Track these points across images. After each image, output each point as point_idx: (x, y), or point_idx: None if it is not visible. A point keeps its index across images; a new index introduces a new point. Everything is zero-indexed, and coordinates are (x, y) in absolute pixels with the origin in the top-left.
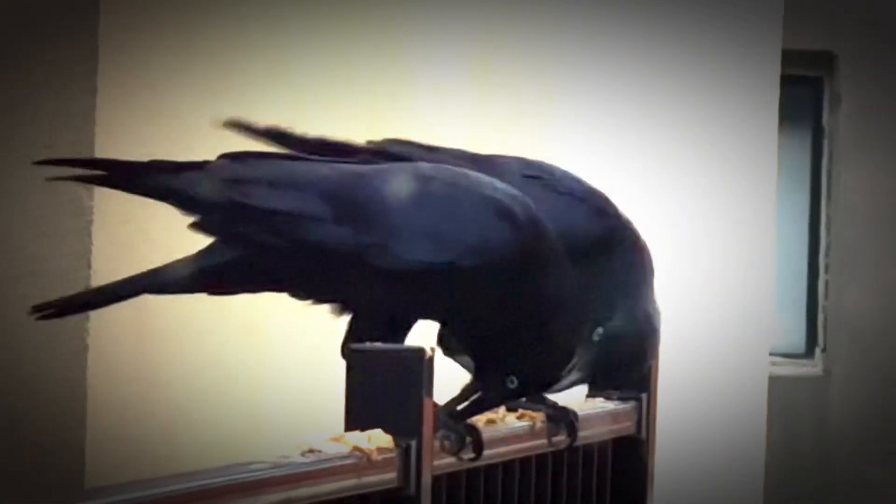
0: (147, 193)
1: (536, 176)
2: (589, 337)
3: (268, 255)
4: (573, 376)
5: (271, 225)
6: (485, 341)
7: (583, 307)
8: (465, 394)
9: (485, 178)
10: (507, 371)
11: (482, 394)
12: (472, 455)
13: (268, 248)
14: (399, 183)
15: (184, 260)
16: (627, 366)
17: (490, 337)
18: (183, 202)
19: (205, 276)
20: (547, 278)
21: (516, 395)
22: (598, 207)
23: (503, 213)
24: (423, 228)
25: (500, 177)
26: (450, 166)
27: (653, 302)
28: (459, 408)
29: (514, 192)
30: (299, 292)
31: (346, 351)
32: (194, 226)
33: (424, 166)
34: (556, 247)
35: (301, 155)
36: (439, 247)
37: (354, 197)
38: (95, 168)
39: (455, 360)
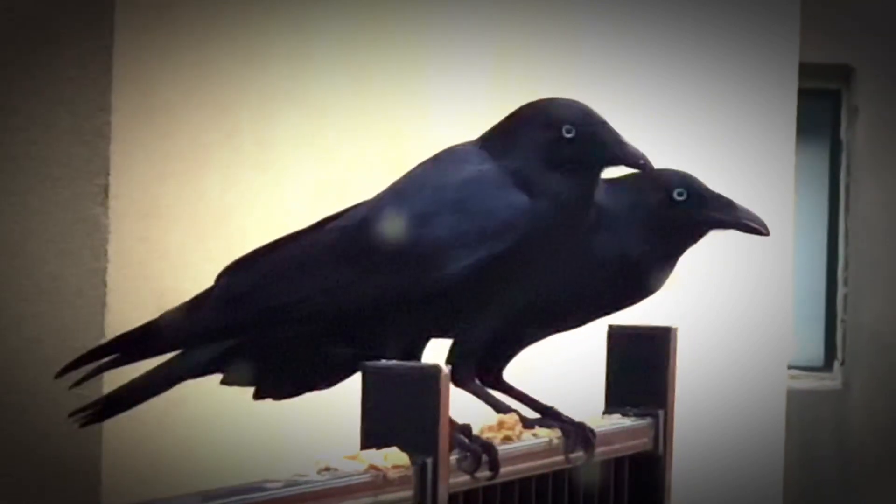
0: (171, 350)
1: None
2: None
3: (294, 342)
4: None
5: (299, 316)
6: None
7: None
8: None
9: (458, 150)
10: None
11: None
12: (488, 474)
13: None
14: (403, 208)
15: (205, 350)
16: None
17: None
18: (207, 342)
19: (227, 364)
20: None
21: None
22: None
23: (500, 180)
24: (447, 238)
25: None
26: (426, 167)
27: None
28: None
29: (483, 152)
30: (366, 353)
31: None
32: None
33: (407, 181)
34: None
35: (299, 231)
36: (469, 247)
37: (370, 243)
38: (107, 354)
39: (464, 389)
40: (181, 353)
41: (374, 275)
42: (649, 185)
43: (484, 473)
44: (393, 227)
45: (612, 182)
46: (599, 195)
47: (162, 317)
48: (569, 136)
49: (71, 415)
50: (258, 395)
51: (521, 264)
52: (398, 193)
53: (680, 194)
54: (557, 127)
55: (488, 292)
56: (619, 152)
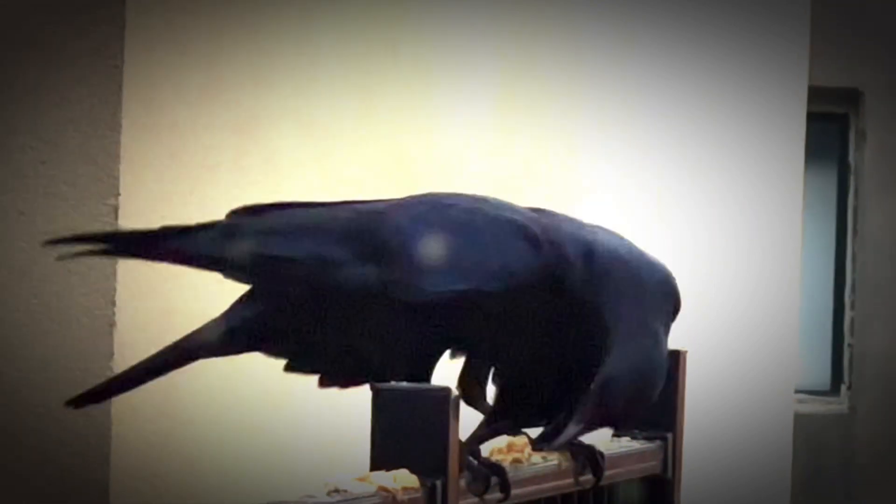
0: (166, 259)
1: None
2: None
3: (293, 306)
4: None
5: (289, 273)
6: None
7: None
8: (487, 425)
9: (503, 201)
10: (532, 397)
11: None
12: (499, 496)
13: (292, 298)
14: (418, 215)
15: (211, 323)
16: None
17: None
18: (202, 264)
19: (235, 337)
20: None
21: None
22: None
23: (523, 233)
24: (446, 258)
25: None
26: (466, 195)
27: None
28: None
29: (532, 214)
30: (331, 373)
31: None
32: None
33: (441, 196)
34: (579, 266)
35: (316, 202)
36: (463, 275)
37: (374, 235)
38: (109, 242)
39: (476, 408)
40: (192, 332)
41: (366, 264)
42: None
43: (495, 495)
44: (401, 226)
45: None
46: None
47: (164, 228)
48: None
49: (69, 402)
50: (322, 384)
51: (511, 312)
52: (425, 202)
53: None
54: None
55: (473, 327)
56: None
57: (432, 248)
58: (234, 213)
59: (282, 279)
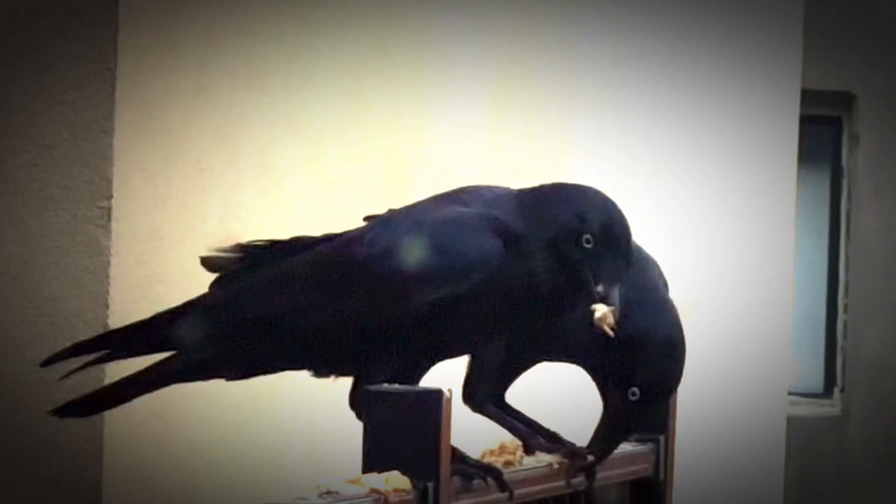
0: (152, 351)
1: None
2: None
3: (276, 353)
4: None
5: (272, 327)
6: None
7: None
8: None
9: (444, 197)
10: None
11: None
12: (499, 496)
13: (267, 343)
14: (374, 241)
15: (180, 356)
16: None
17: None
18: (194, 349)
19: (201, 373)
20: (541, 276)
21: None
22: None
23: (474, 225)
24: (414, 273)
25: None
26: (414, 206)
27: None
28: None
29: (490, 210)
30: (317, 371)
31: (355, 400)
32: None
33: (395, 217)
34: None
35: (282, 242)
36: (433, 283)
37: (342, 274)
38: (100, 345)
39: (481, 412)
40: (173, 355)
41: (345, 299)
42: None
43: (492, 496)
44: (365, 260)
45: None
46: None
47: (155, 317)
48: (587, 246)
49: (54, 412)
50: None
51: (490, 304)
52: (386, 223)
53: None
54: (579, 233)
55: (459, 328)
56: (604, 289)
57: (399, 268)
58: (214, 285)
59: (263, 335)
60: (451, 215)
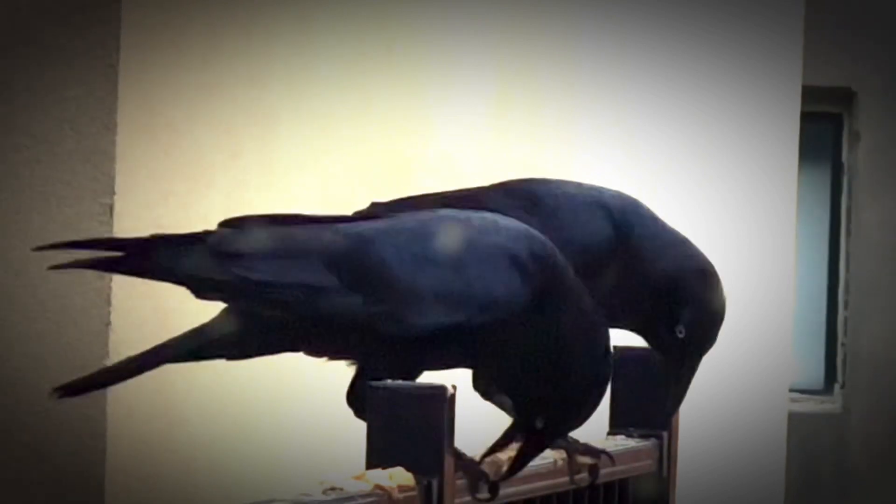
0: (152, 276)
1: (526, 198)
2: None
3: (275, 326)
4: None
5: (276, 298)
6: (511, 385)
7: (604, 332)
8: (504, 439)
9: (489, 221)
10: (536, 412)
11: (520, 444)
12: (487, 496)
13: (274, 320)
14: (403, 244)
15: (192, 332)
16: None
17: (514, 380)
18: (187, 283)
19: (215, 347)
20: (563, 315)
21: (549, 436)
22: (601, 207)
23: (510, 260)
24: (433, 291)
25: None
26: (453, 214)
27: None
28: (504, 469)
29: (520, 228)
30: (313, 353)
31: (352, 396)
32: (200, 297)
33: (427, 222)
34: (570, 279)
35: (304, 216)
36: (450, 307)
37: (361, 264)
38: (102, 248)
39: (493, 402)
40: (165, 342)
41: (351, 293)
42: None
43: (483, 495)
44: (386, 259)
45: None
46: None
47: (158, 238)
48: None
49: (54, 390)
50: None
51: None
52: (409, 227)
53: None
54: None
55: (453, 356)
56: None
57: (418, 281)
58: (225, 225)
59: (265, 304)
60: (491, 243)
